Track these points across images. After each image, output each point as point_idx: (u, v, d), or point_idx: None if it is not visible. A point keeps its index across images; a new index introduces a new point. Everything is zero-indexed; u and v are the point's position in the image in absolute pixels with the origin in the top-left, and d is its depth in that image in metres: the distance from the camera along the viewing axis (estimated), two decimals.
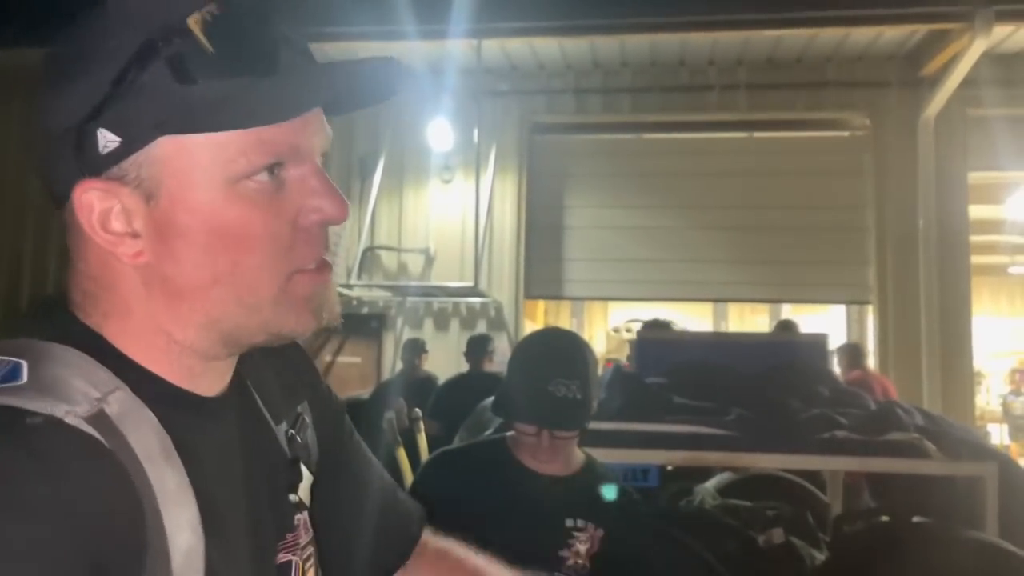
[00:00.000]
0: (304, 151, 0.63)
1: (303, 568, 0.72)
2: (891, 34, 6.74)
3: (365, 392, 6.60)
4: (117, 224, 0.60)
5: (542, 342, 1.81)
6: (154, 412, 0.58)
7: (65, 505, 0.51)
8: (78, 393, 0.55)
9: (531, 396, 1.64)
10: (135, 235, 0.61)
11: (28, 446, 0.52)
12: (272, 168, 0.61)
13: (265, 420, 0.74)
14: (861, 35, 6.75)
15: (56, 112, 0.60)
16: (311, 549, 0.74)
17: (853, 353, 5.87)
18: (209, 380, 0.67)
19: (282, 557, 0.69)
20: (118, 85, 0.58)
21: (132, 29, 0.58)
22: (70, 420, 0.54)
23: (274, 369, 0.77)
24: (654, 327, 4.67)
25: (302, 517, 0.73)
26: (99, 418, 0.55)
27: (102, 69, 0.58)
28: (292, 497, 0.73)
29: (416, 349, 5.84)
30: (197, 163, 0.59)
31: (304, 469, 0.75)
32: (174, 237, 0.60)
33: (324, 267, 0.65)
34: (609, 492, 1.70)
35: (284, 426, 0.75)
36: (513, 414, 1.68)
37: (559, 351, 1.70)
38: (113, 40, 0.58)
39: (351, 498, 0.86)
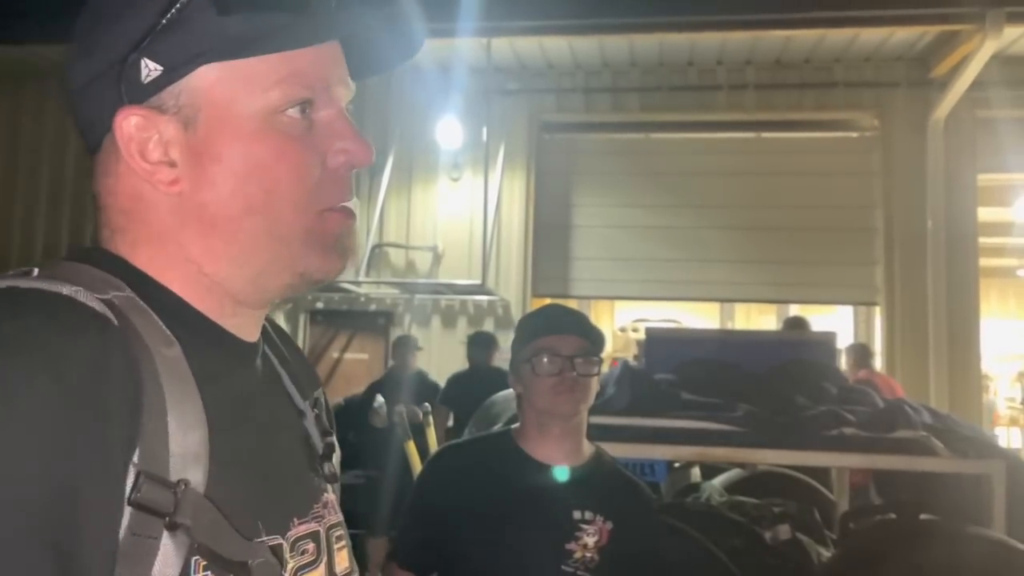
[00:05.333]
0: (333, 93, 0.66)
1: (330, 543, 0.70)
2: (901, 35, 6.73)
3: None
4: (154, 153, 0.62)
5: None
6: (174, 335, 0.59)
7: (62, 377, 0.51)
8: (88, 284, 0.58)
9: (539, 324, 1.69)
10: (172, 164, 0.63)
11: (31, 314, 0.53)
12: (303, 107, 0.64)
13: (287, 390, 0.74)
14: (870, 36, 6.74)
15: (101, 48, 0.63)
16: (342, 531, 0.73)
17: (860, 353, 5.86)
18: (239, 324, 0.67)
19: (308, 527, 0.68)
20: (163, 16, 0.61)
21: None
22: (80, 297, 0.56)
23: (290, 350, 0.78)
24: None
25: (330, 497, 0.73)
26: (109, 303, 0.57)
27: (148, 4, 0.62)
28: (327, 467, 0.73)
29: (411, 346, 5.85)
30: (235, 93, 0.62)
31: (336, 443, 0.76)
32: (210, 163, 0.62)
33: (350, 211, 0.67)
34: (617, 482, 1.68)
35: (308, 404, 0.76)
36: (524, 354, 1.63)
37: (557, 306, 1.85)
38: None
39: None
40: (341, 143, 0.65)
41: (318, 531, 0.69)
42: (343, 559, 0.72)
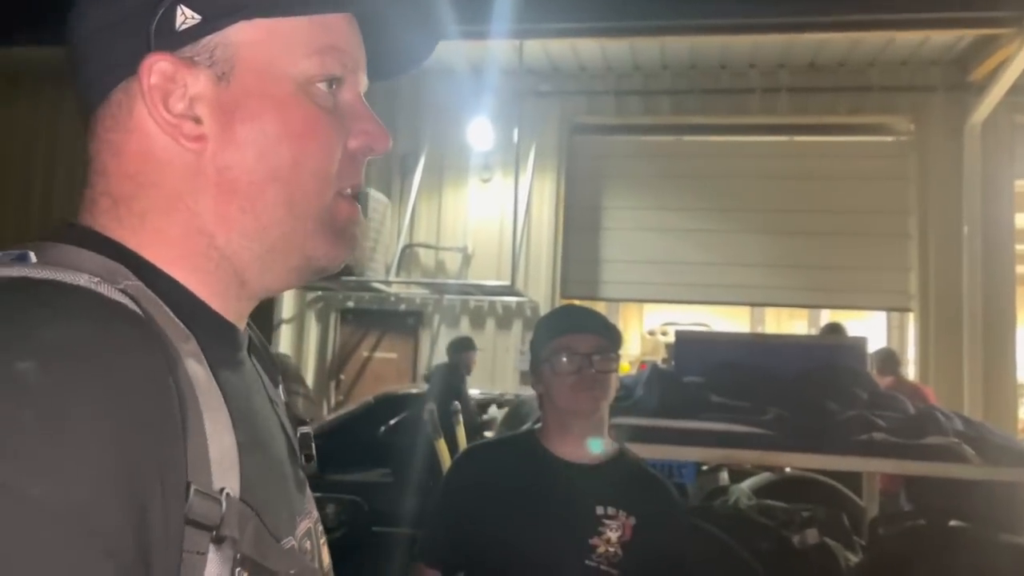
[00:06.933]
0: (358, 77, 0.65)
1: (319, 539, 0.68)
2: (938, 39, 6.66)
3: (402, 387, 6.68)
4: (178, 105, 0.58)
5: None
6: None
7: (116, 385, 0.45)
8: (101, 274, 0.51)
9: (556, 324, 1.70)
10: (196, 120, 0.58)
11: (63, 311, 0.47)
12: (331, 84, 0.62)
13: (264, 380, 0.70)
14: (906, 39, 6.68)
15: None
16: (320, 525, 0.70)
17: (887, 359, 5.75)
18: (238, 312, 0.63)
19: (305, 524, 0.65)
20: None
21: None
22: (100, 289, 0.49)
23: (254, 334, 0.73)
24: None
25: (309, 491, 0.70)
26: (124, 293, 0.51)
27: None
28: (304, 457, 0.71)
29: (470, 346, 5.71)
30: (273, 54, 0.59)
31: (311, 433, 0.73)
32: (241, 122, 0.59)
33: (356, 202, 0.65)
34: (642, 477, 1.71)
35: (279, 391, 0.73)
36: (543, 354, 1.65)
37: (573, 306, 1.87)
38: None
39: None
40: (363, 125, 0.64)
41: (311, 528, 0.66)
42: (326, 554, 0.69)
